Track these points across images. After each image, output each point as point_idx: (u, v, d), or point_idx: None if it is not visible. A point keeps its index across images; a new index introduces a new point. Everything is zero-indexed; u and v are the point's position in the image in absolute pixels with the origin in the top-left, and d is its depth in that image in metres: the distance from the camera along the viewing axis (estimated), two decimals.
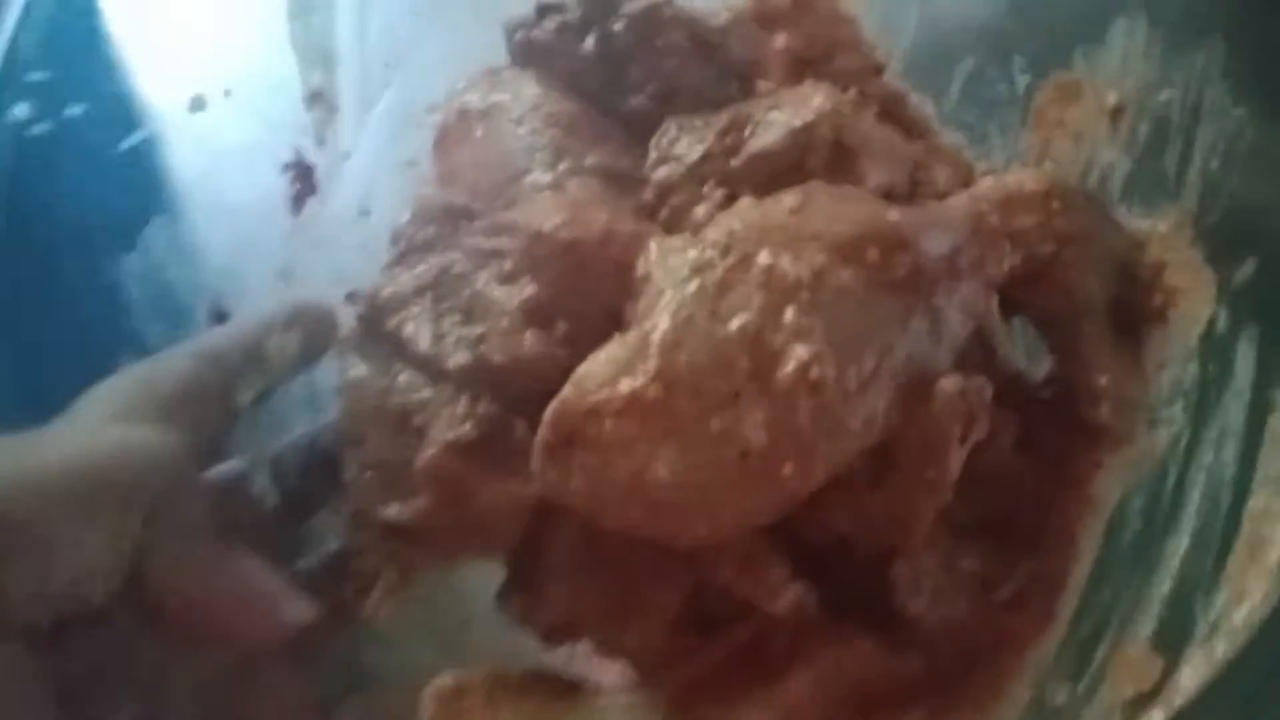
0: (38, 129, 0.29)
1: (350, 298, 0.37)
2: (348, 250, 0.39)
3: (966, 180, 0.41)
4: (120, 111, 0.31)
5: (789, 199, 0.34)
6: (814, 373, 0.32)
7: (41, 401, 0.29)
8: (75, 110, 0.30)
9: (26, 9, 0.28)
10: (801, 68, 0.43)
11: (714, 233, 0.34)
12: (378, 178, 0.40)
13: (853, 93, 0.38)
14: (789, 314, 0.32)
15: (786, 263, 0.33)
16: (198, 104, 0.33)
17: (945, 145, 0.42)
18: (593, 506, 0.33)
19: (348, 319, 0.37)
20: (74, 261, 0.30)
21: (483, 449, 0.35)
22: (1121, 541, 0.35)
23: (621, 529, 0.34)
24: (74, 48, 0.30)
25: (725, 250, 0.33)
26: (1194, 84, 0.36)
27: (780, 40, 0.43)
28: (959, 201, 0.37)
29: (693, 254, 0.33)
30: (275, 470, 0.36)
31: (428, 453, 0.35)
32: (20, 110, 0.28)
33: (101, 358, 0.30)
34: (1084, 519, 0.37)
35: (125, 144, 0.31)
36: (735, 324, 0.32)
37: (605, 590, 0.36)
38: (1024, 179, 0.37)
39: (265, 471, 0.35)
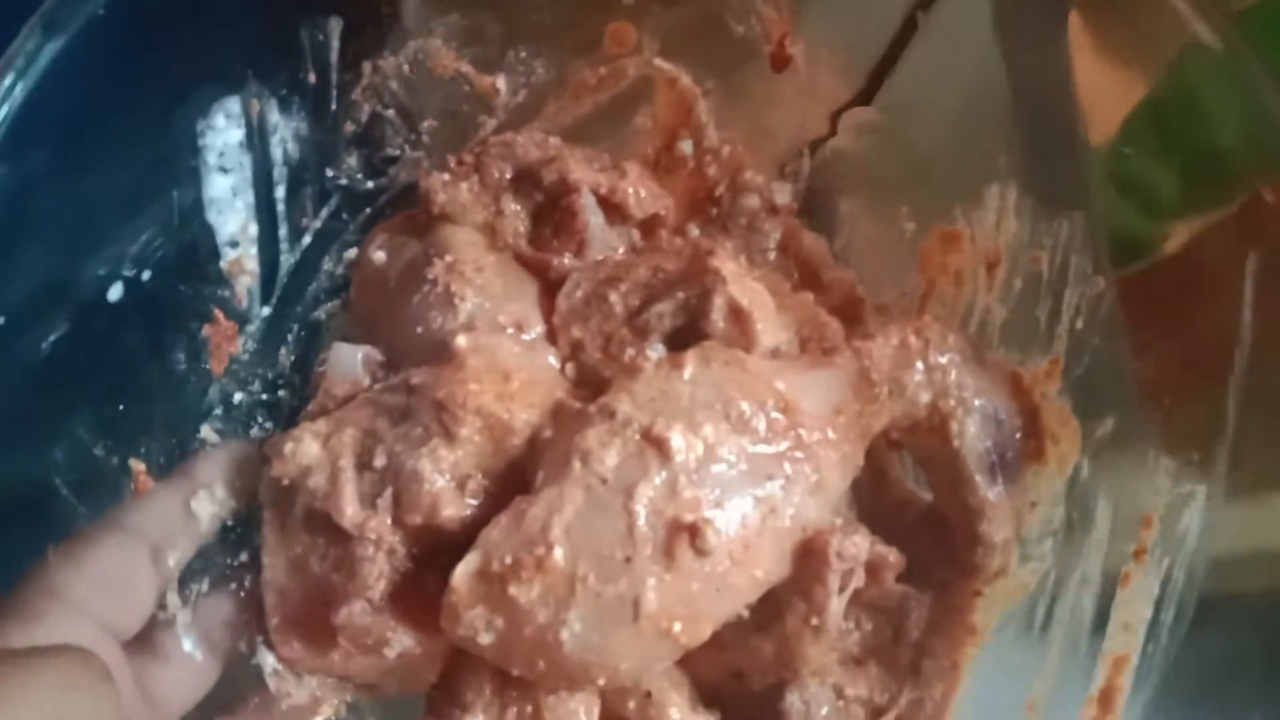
0: None
1: (266, 451, 0.39)
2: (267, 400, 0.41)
3: (855, 317, 0.44)
4: (37, 312, 0.33)
5: (685, 369, 0.37)
6: (702, 540, 0.34)
7: None
8: None
9: None
10: (704, 206, 0.46)
11: (614, 402, 0.36)
12: (297, 330, 0.42)
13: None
14: (681, 484, 0.35)
15: (680, 434, 0.35)
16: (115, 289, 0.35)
17: (838, 278, 0.45)
18: (500, 658, 0.36)
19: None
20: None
21: (397, 603, 0.38)
22: (994, 673, 0.38)
23: (527, 676, 0.36)
24: None
25: (626, 423, 0.35)
26: (1060, 250, 0.38)
27: (682, 182, 0.46)
28: (844, 357, 0.39)
29: (595, 428, 0.35)
30: (200, 620, 0.38)
31: (346, 608, 0.37)
32: None
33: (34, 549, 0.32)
34: (965, 647, 0.40)
35: (45, 344, 0.33)
36: (632, 495, 0.34)
37: None
38: (905, 334, 0.39)
39: (191, 630, 0.37)
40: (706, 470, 0.35)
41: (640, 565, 0.34)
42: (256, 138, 0.39)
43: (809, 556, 0.36)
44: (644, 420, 0.36)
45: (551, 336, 0.41)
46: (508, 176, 0.42)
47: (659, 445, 0.35)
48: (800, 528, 0.36)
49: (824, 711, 0.39)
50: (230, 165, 0.39)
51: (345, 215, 0.43)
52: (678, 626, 0.34)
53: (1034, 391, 0.40)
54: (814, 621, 0.37)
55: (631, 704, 0.39)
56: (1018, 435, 0.40)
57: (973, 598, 0.40)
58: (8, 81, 0.33)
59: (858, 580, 0.37)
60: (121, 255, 0.36)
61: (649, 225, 0.43)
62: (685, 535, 0.34)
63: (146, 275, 0.37)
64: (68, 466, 0.34)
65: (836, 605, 0.36)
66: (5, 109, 0.33)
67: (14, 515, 0.33)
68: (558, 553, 0.34)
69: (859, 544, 0.36)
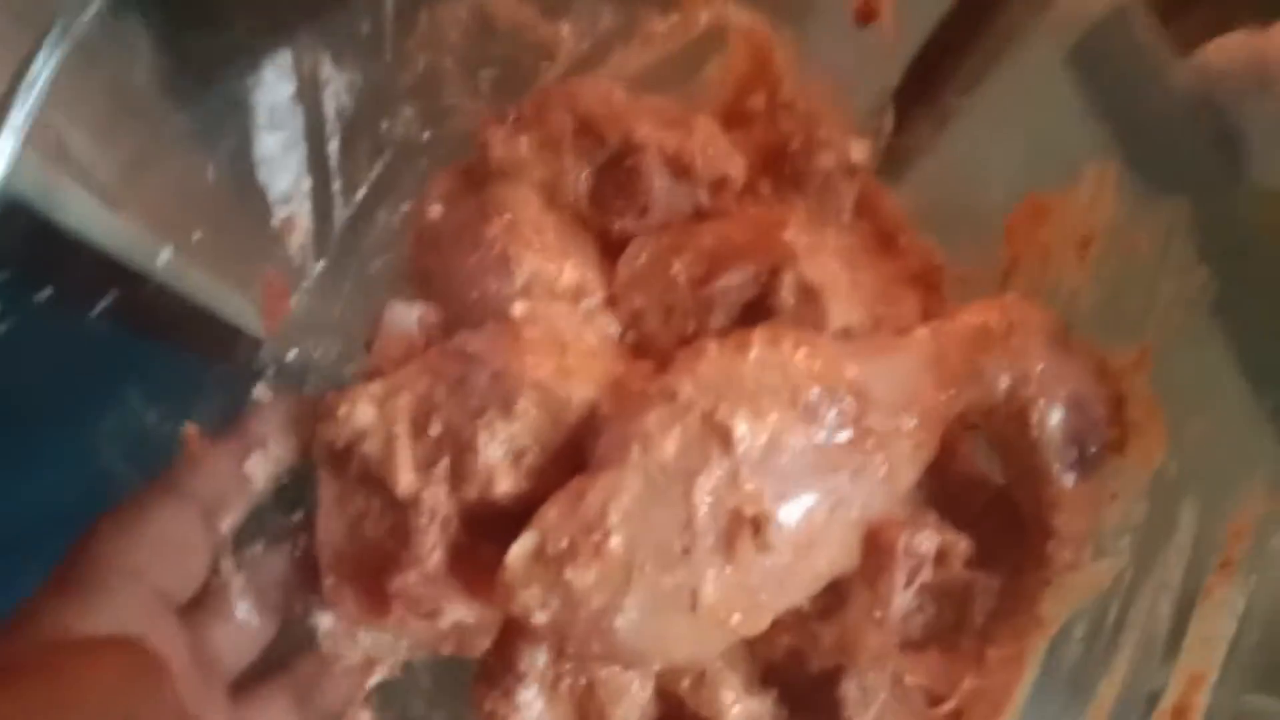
0: (3, 326, 0.30)
1: (319, 411, 0.38)
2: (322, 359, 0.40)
3: (932, 286, 0.42)
4: (87, 280, 0.32)
5: (752, 350, 0.35)
6: (763, 535, 0.33)
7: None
8: (42, 295, 0.31)
9: None
10: (776, 161, 0.44)
11: (676, 384, 0.35)
12: (351, 287, 0.41)
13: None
14: (743, 475, 0.33)
15: (744, 422, 0.34)
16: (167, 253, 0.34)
17: (917, 244, 0.43)
18: (554, 636, 0.35)
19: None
20: (52, 438, 0.32)
21: (452, 572, 0.37)
22: (1059, 671, 0.37)
23: (581, 655, 0.36)
24: (35, 238, 0.31)
25: (687, 406, 0.34)
26: (1160, 235, 0.36)
27: (754, 135, 0.43)
28: (920, 338, 0.37)
29: (655, 411, 0.34)
30: (255, 581, 0.38)
31: (401, 577, 0.36)
32: None
33: (82, 516, 0.32)
34: (1030, 638, 0.39)
35: (95, 310, 0.32)
36: (692, 485, 0.33)
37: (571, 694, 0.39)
38: (987, 314, 0.37)
39: (246, 594, 0.37)
40: (770, 461, 0.34)
41: (699, 557, 0.33)
42: (309, 92, 0.37)
43: (876, 549, 0.35)
44: (706, 405, 0.34)
45: (611, 303, 0.40)
46: (570, 130, 0.40)
47: (721, 433, 0.34)
48: (868, 520, 0.35)
49: (881, 699, 0.39)
50: (281, 121, 0.37)
51: (401, 167, 0.41)
52: (736, 618, 0.34)
53: (1121, 380, 0.38)
54: (877, 614, 0.36)
55: (685, 683, 0.38)
56: (1101, 427, 0.38)
57: (1041, 587, 0.39)
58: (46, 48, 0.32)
59: (925, 574, 0.35)
60: (172, 216, 0.35)
61: (718, 184, 0.41)
62: (747, 529, 0.33)
63: (197, 235, 0.36)
64: (119, 436, 0.33)
65: (901, 599, 0.35)
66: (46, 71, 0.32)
67: (69, 494, 0.33)
68: (615, 540, 0.33)
69: (929, 538, 0.35)
